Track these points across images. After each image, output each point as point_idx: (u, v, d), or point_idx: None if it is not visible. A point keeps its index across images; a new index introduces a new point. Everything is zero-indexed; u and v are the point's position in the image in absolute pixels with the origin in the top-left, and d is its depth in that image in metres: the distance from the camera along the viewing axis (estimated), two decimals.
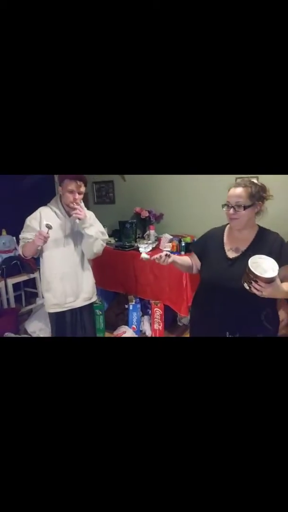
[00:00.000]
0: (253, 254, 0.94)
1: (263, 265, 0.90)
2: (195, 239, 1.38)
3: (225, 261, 1.10)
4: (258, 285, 0.89)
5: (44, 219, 1.53)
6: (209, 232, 1.25)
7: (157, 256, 1.16)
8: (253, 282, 0.89)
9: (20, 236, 1.60)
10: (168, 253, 1.17)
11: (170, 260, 1.16)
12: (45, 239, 1.44)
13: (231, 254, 1.10)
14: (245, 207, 1.01)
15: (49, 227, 1.44)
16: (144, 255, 1.27)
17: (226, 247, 1.12)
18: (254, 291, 0.90)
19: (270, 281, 0.88)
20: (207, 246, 1.20)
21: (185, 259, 1.29)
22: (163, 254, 1.15)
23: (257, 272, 0.87)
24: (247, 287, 0.92)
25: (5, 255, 2.81)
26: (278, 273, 0.89)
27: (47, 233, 1.44)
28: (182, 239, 2.35)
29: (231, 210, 1.04)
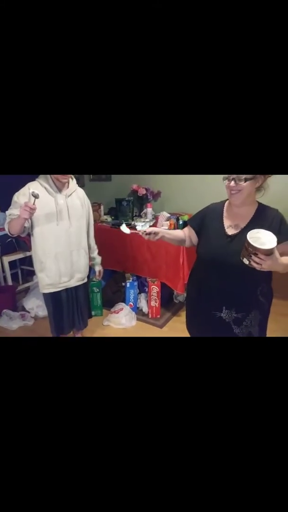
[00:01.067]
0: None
1: (262, 239, 0.91)
2: None
3: (224, 238, 1.10)
4: (258, 257, 0.89)
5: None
6: (208, 207, 1.23)
7: (142, 231, 1.14)
8: (252, 255, 0.90)
9: (7, 212, 1.50)
10: (156, 230, 1.16)
11: (157, 237, 1.15)
12: (32, 211, 1.34)
13: (230, 231, 1.09)
14: (246, 179, 0.99)
15: (35, 195, 1.34)
16: (124, 228, 1.26)
17: (226, 224, 1.11)
18: (254, 264, 0.91)
19: (269, 252, 0.88)
20: (205, 221, 1.18)
21: (175, 233, 1.27)
22: (148, 230, 1.15)
23: (256, 244, 0.88)
24: (247, 262, 0.93)
25: (0, 233, 2.76)
26: (277, 250, 0.90)
27: (34, 203, 1.34)
28: (180, 217, 2.33)
29: (232, 182, 1.02)
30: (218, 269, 1.09)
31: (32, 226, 1.53)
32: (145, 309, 2.51)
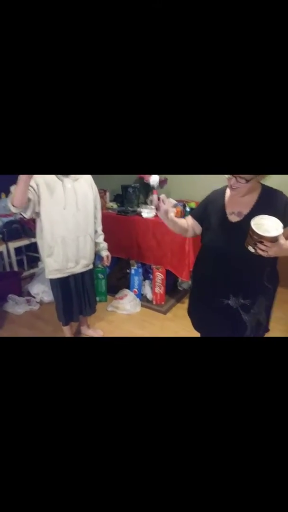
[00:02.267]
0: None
1: (266, 225, 0.89)
2: None
3: (227, 226, 1.08)
4: (264, 245, 0.88)
5: (41, 178, 1.45)
6: (210, 196, 1.21)
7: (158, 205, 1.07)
8: (258, 243, 0.89)
9: (11, 188, 1.41)
10: (169, 207, 1.09)
11: (166, 215, 1.09)
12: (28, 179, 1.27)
13: (233, 218, 1.07)
14: (247, 180, 0.97)
15: None
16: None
17: (228, 211, 1.09)
18: (260, 252, 0.90)
19: (275, 239, 0.87)
20: (207, 211, 1.17)
21: (180, 221, 1.24)
22: (163, 201, 1.07)
23: (260, 232, 0.87)
24: (252, 250, 0.92)
25: (5, 219, 2.77)
26: (283, 235, 0.88)
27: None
28: (186, 204, 2.30)
29: (233, 181, 1.00)
30: (222, 257, 1.08)
31: (39, 211, 1.52)
32: (149, 295, 2.53)
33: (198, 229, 1.22)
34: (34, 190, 1.47)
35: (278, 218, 0.90)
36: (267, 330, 1.23)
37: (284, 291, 2.56)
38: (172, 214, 1.14)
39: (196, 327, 1.36)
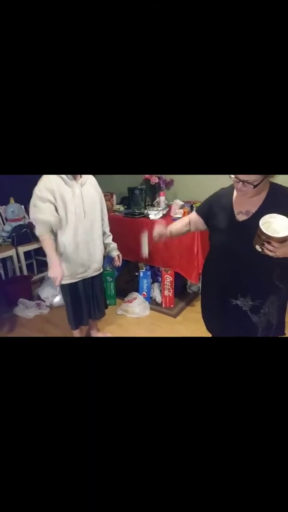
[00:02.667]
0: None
1: (275, 225, 0.86)
2: None
3: (235, 225, 1.06)
4: (272, 245, 0.85)
5: (57, 190, 1.46)
6: (216, 193, 1.19)
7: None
8: (265, 243, 0.86)
9: (33, 216, 1.49)
10: (160, 231, 1.18)
11: (164, 235, 1.17)
12: (59, 281, 1.50)
13: (241, 217, 1.04)
14: (255, 186, 0.94)
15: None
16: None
17: (236, 210, 1.06)
18: (268, 252, 0.88)
19: (283, 240, 0.84)
20: (213, 209, 1.15)
21: (179, 225, 1.26)
22: (154, 235, 1.17)
23: (269, 232, 0.84)
24: (260, 249, 0.89)
25: (14, 224, 2.80)
26: None
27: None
28: (193, 205, 2.27)
29: (239, 185, 0.97)
30: (230, 257, 1.06)
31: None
32: (158, 298, 2.50)
33: (202, 225, 1.21)
34: (57, 210, 1.49)
35: (287, 216, 0.87)
36: (283, 333, 1.18)
37: None
38: (167, 231, 1.20)
39: (208, 328, 1.34)
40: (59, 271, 1.47)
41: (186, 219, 1.27)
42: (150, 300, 2.53)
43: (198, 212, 1.24)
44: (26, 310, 2.44)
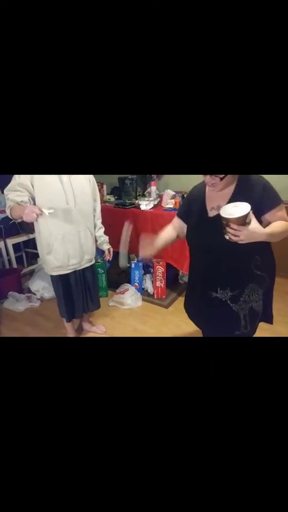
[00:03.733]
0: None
1: (235, 211, 0.87)
2: None
3: (207, 222, 1.07)
4: (232, 228, 0.86)
5: (36, 179, 1.41)
6: (191, 192, 1.19)
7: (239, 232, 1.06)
8: (227, 227, 0.87)
9: (6, 194, 1.42)
10: (146, 250, 1.16)
11: (153, 252, 1.15)
12: (37, 217, 1.30)
13: (212, 213, 1.05)
14: (221, 178, 0.95)
15: (51, 210, 1.35)
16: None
17: (208, 206, 1.08)
18: (232, 237, 0.88)
19: (241, 222, 0.85)
20: (191, 208, 1.15)
21: (165, 236, 1.25)
22: (142, 255, 1.16)
23: (226, 215, 0.85)
24: (227, 238, 0.91)
25: (2, 215, 2.73)
26: (262, 222, 0.87)
27: (41, 213, 1.30)
28: (184, 195, 2.25)
29: (207, 178, 0.98)
30: (206, 252, 1.08)
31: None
32: (150, 289, 2.51)
33: (185, 228, 1.21)
34: (29, 191, 1.43)
35: (256, 203, 0.89)
36: (270, 321, 1.21)
37: (285, 282, 2.55)
38: (154, 248, 1.19)
39: (192, 319, 1.38)
40: (31, 208, 1.31)
41: (169, 227, 1.27)
42: (142, 291, 2.53)
43: (178, 215, 1.24)
44: (16, 304, 2.41)
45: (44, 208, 1.34)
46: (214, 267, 1.08)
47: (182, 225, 1.22)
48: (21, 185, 1.40)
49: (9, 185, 1.44)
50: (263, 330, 1.25)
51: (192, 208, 1.14)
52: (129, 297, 2.40)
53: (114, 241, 2.54)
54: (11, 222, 2.67)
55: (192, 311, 1.36)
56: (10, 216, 1.45)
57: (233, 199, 0.99)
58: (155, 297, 2.45)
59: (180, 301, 2.45)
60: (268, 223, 0.95)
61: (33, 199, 1.46)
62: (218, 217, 1.00)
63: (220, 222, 0.96)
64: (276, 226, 0.94)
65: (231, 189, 1.01)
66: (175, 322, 2.18)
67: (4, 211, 2.74)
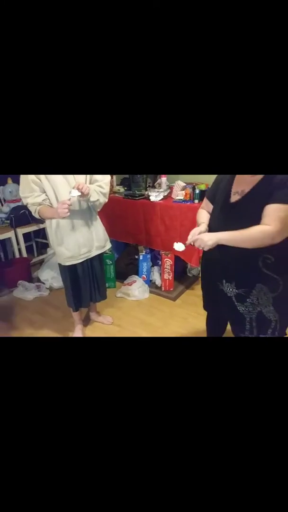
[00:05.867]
0: (255, 196, 0.92)
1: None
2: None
3: (226, 207, 1.03)
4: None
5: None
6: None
7: (192, 240, 1.06)
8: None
9: (26, 200, 1.46)
10: (196, 234, 1.06)
11: (211, 242, 1.01)
12: (68, 208, 1.38)
13: (234, 198, 1.01)
14: None
15: (74, 192, 1.36)
16: (179, 246, 1.14)
17: (233, 190, 1.03)
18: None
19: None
20: (218, 190, 1.11)
21: (204, 217, 1.20)
22: (192, 240, 1.06)
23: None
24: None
25: (12, 205, 2.75)
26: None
27: (70, 199, 1.37)
28: (196, 186, 2.21)
29: None
30: None
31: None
32: (158, 282, 2.50)
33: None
34: (40, 187, 1.46)
35: (274, 191, 0.90)
36: (283, 333, 1.12)
37: None
38: (202, 228, 1.12)
39: (204, 305, 1.39)
40: (60, 205, 1.38)
41: (201, 209, 1.23)
42: (150, 283, 2.53)
43: (206, 196, 1.21)
44: (26, 292, 2.45)
45: (65, 200, 1.40)
46: (223, 257, 1.05)
47: (210, 206, 1.18)
48: (34, 182, 1.44)
49: (21, 188, 1.47)
50: None
51: (219, 190, 1.11)
52: (137, 288, 2.39)
53: (123, 232, 2.54)
54: (22, 211, 2.70)
55: (206, 303, 1.36)
56: (36, 216, 1.52)
57: (257, 187, 0.95)
58: (163, 289, 2.44)
59: (188, 294, 2.44)
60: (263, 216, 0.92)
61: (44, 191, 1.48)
62: (238, 203, 0.99)
63: (238, 210, 0.96)
64: (246, 230, 0.93)
65: (260, 176, 0.96)
66: (182, 315, 2.17)
67: (14, 201, 2.77)
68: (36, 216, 1.51)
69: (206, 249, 0.97)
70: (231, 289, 1.08)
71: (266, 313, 1.07)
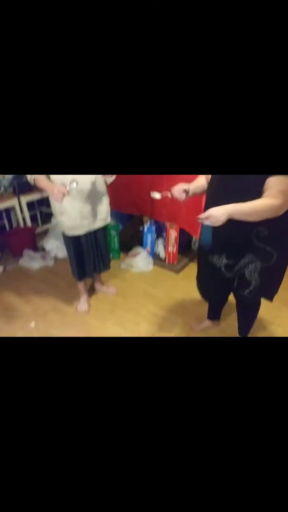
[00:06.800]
0: None
1: None
2: None
3: (223, 179, 1.03)
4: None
5: None
6: None
7: (170, 192, 1.10)
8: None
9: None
10: (184, 188, 1.11)
11: (187, 195, 1.11)
12: (64, 196, 1.38)
13: None
14: None
15: (75, 182, 1.35)
16: (155, 194, 1.22)
17: None
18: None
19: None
20: None
21: (199, 183, 1.20)
22: (177, 190, 1.11)
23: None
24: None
25: None
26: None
27: (68, 192, 1.38)
28: None
29: None
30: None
31: None
32: (162, 254, 2.49)
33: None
34: None
35: None
36: (259, 300, 1.23)
37: None
38: (188, 187, 1.15)
39: (197, 283, 1.45)
40: (59, 189, 1.41)
41: (201, 175, 1.23)
42: (154, 255, 2.53)
43: None
44: (31, 262, 2.48)
45: (67, 186, 1.40)
46: (216, 229, 1.07)
47: (209, 176, 1.18)
48: None
49: None
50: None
51: None
52: (141, 260, 2.40)
53: (128, 202, 2.48)
54: (24, 179, 2.63)
55: (199, 277, 1.41)
56: (31, 182, 1.49)
57: None
58: (167, 262, 2.45)
59: (192, 267, 2.44)
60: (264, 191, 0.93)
61: None
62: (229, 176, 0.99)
63: (232, 179, 0.96)
64: (254, 203, 0.93)
65: None
66: (186, 288, 2.19)
67: None
68: (31, 182, 1.48)
69: (217, 225, 0.96)
70: (221, 261, 1.13)
71: (249, 277, 1.14)
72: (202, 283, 1.40)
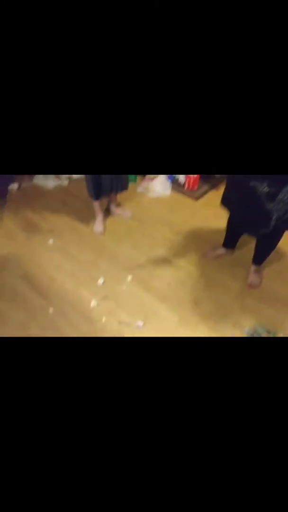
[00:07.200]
0: None
1: None
2: None
3: None
4: None
5: None
6: None
7: None
8: None
9: None
10: None
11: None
12: None
13: None
14: None
15: None
16: None
17: None
18: None
19: None
20: None
21: None
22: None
23: None
24: None
25: None
26: None
27: None
28: None
29: None
30: None
31: None
32: (181, 179, 2.35)
33: None
34: None
35: None
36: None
37: None
38: None
39: (224, 201, 1.42)
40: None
41: None
42: (173, 179, 2.39)
43: None
44: (45, 180, 2.41)
45: None
46: None
47: None
48: None
49: None
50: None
51: None
52: (159, 184, 2.29)
53: None
54: None
55: (230, 204, 1.37)
56: None
57: None
58: (186, 187, 2.32)
59: (212, 194, 2.32)
60: None
61: None
62: None
63: None
64: None
65: None
66: (204, 216, 2.13)
67: None
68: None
69: None
70: (262, 188, 1.08)
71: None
72: (232, 205, 1.37)
